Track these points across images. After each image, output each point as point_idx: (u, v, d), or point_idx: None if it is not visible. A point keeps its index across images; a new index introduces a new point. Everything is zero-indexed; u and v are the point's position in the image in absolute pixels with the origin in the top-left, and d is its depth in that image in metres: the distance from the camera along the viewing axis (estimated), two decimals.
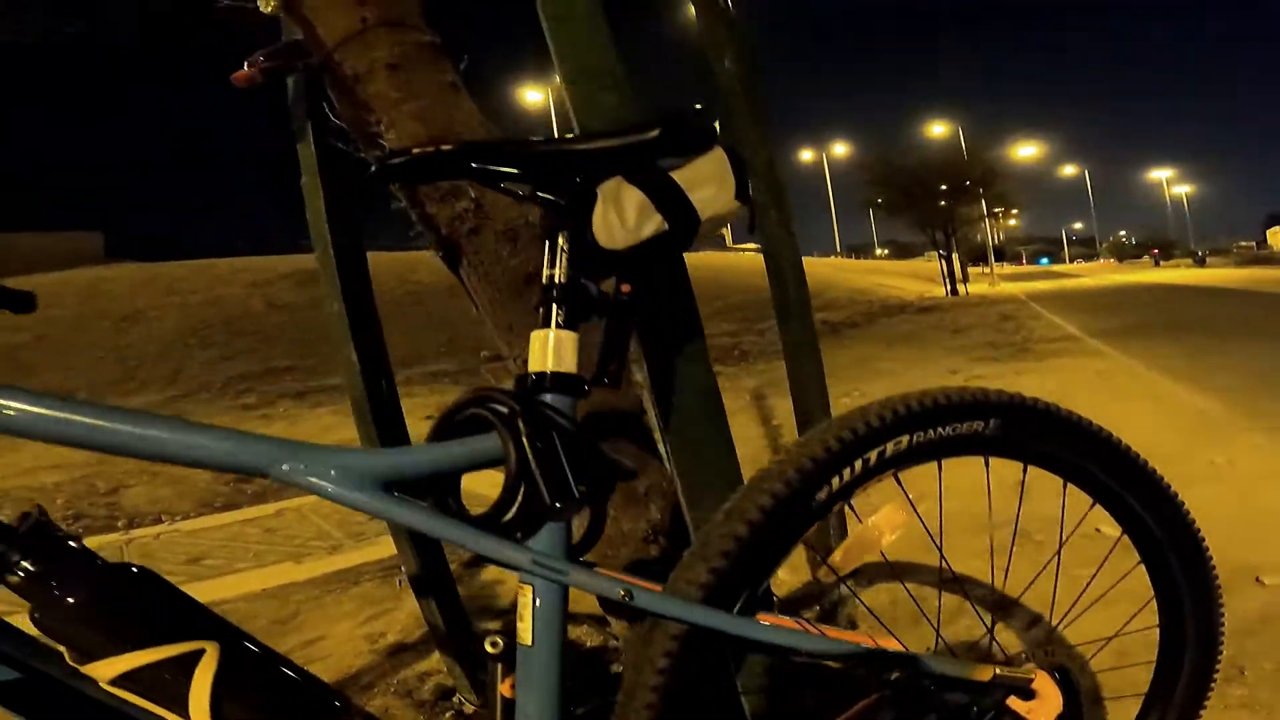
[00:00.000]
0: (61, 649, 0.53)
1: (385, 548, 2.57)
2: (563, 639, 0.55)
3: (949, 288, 21.65)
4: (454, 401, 0.56)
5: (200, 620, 0.56)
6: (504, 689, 0.57)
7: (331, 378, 7.30)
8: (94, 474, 3.89)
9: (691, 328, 0.82)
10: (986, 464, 0.69)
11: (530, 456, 0.52)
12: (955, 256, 23.27)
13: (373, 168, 0.59)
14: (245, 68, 1.16)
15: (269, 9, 1.27)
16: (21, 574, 0.52)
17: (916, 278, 29.15)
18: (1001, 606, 1.24)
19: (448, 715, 1.50)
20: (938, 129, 36.27)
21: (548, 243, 0.58)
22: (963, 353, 6.60)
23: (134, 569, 0.56)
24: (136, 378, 7.63)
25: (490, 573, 2.25)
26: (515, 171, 0.58)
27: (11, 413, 0.51)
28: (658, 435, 0.92)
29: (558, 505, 0.52)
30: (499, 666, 0.57)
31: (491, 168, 0.58)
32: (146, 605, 0.55)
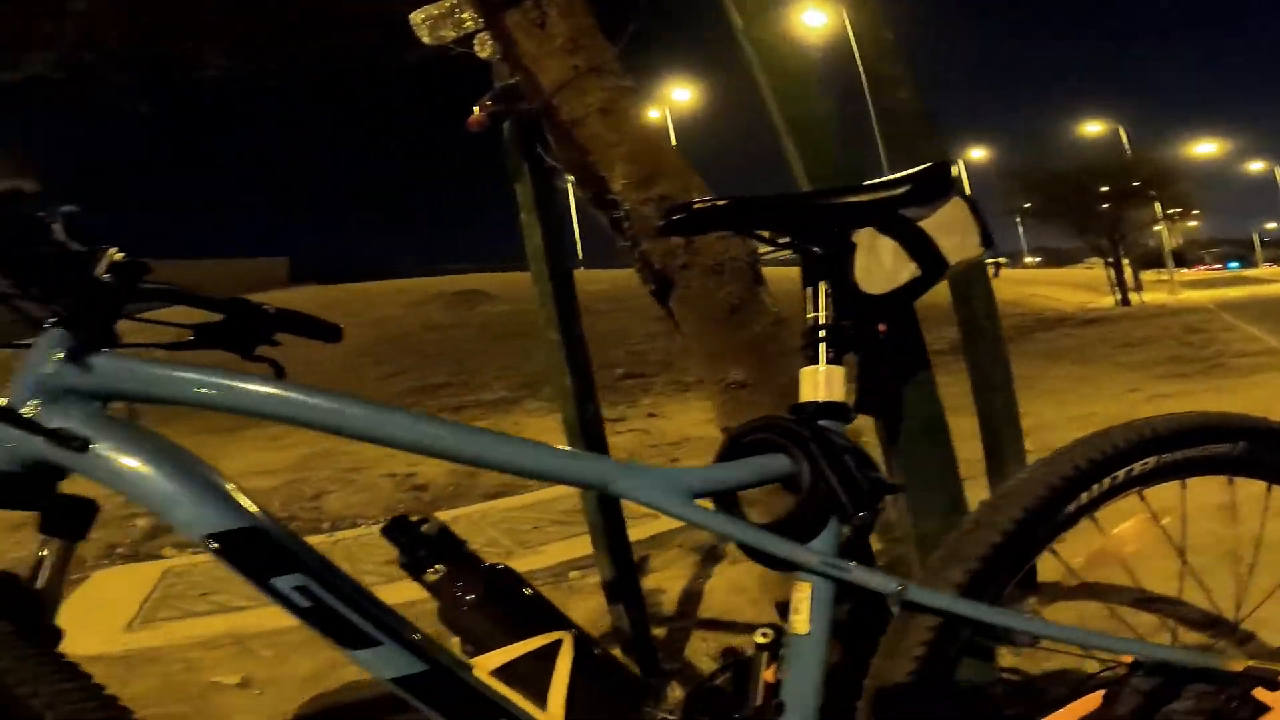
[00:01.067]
0: (455, 642, 0.67)
1: (550, 556, 2.75)
2: (831, 629, 0.64)
3: (1120, 297, 19.78)
4: (739, 428, 0.66)
5: (552, 612, 0.70)
6: (768, 675, 0.66)
7: (485, 393, 7.81)
8: (299, 480, 4.40)
9: (920, 360, 0.88)
10: (1230, 483, 0.71)
11: (827, 472, 0.61)
12: (1125, 263, 21.24)
13: (660, 223, 0.71)
14: (475, 112, 1.31)
15: (485, 55, 1.42)
16: (436, 574, 0.67)
17: (1075, 287, 26.74)
18: (1217, 622, 1.20)
19: None
20: (1093, 128, 33.12)
21: (809, 289, 0.67)
22: (1141, 369, 6.02)
23: (500, 568, 0.71)
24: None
25: (648, 583, 2.36)
26: (780, 224, 0.69)
27: (400, 429, 0.66)
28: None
29: (860, 514, 0.61)
30: (764, 655, 0.66)
31: (759, 220, 0.69)
32: (519, 601, 0.69)
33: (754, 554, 0.64)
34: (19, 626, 0.64)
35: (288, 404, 0.69)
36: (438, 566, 0.68)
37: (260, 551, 0.64)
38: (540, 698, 0.64)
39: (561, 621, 0.69)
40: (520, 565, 2.63)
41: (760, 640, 0.66)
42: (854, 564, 0.63)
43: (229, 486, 0.66)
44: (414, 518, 0.71)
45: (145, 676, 1.95)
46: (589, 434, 1.48)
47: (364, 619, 0.62)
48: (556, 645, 0.66)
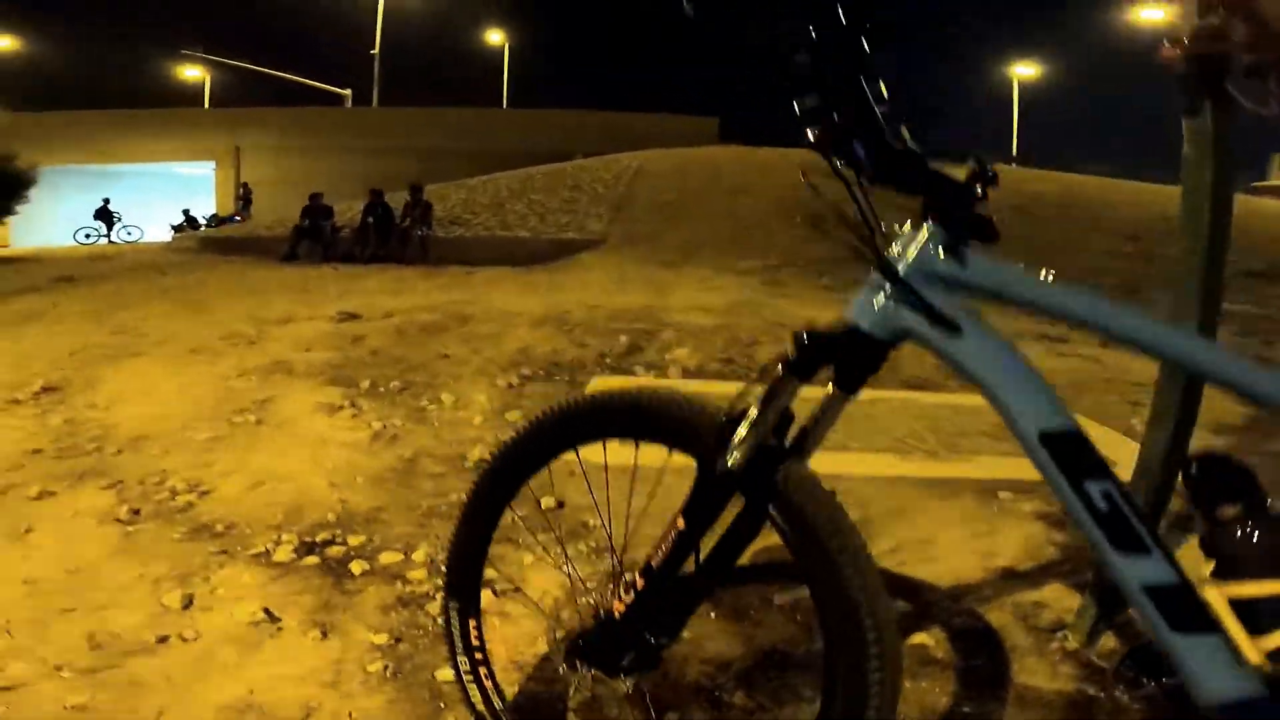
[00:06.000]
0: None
1: (980, 468, 2.56)
2: None
3: None
4: None
5: None
6: None
7: None
8: (733, 324, 4.79)
9: None
10: None
11: None
12: None
13: None
14: (1166, 46, 1.20)
15: None
16: (1232, 510, 0.75)
17: None
18: None
19: (1054, 646, 1.52)
20: None
21: None
22: None
23: None
24: (742, 243, 9.08)
25: None
26: None
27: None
28: None
29: None
30: None
31: None
32: None
33: None
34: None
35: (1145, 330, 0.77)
36: (1235, 503, 0.74)
37: (1082, 454, 0.71)
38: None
39: None
40: (947, 469, 2.54)
41: None
42: None
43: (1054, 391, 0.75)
44: (1220, 453, 0.80)
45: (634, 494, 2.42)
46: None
47: (1143, 527, 0.69)
48: None
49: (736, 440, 0.88)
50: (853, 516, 2.43)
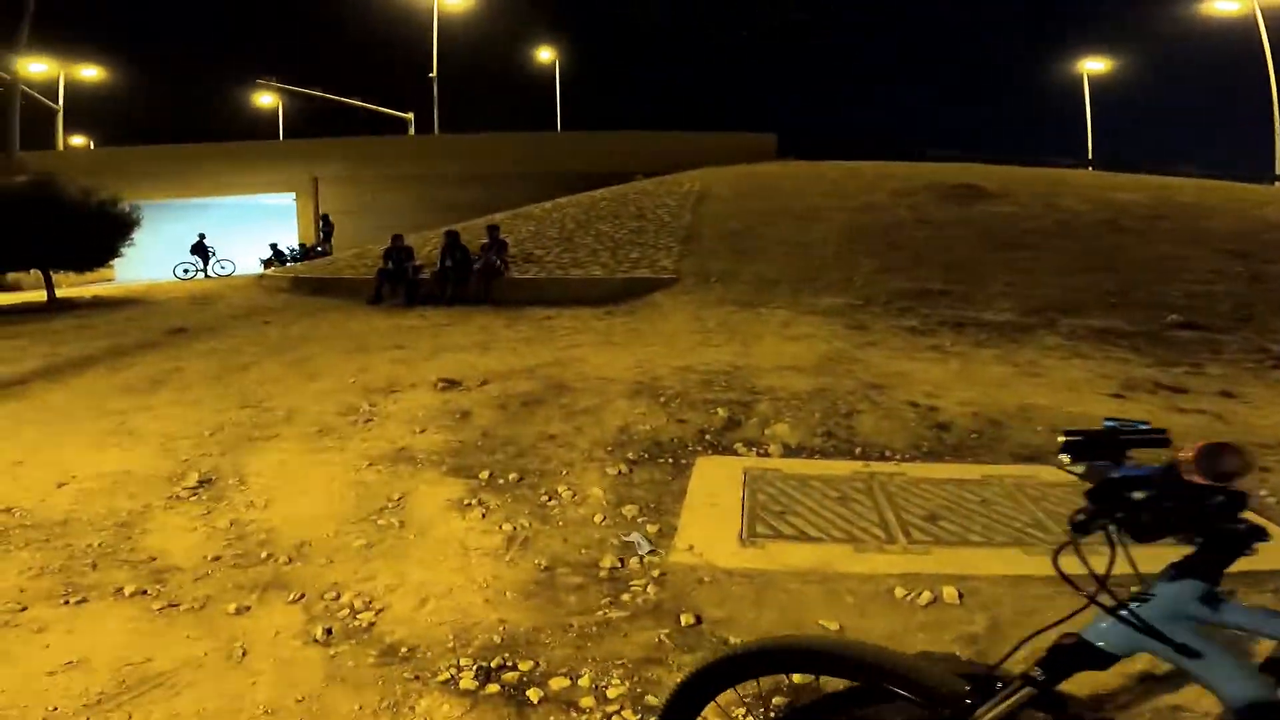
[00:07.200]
0: None
1: (1097, 566, 2.54)
2: None
3: None
4: None
5: None
6: None
7: (988, 312, 7.30)
8: (828, 389, 4.73)
9: None
10: None
11: None
12: None
13: None
14: None
15: None
16: None
17: None
18: None
19: None
20: None
21: None
22: None
23: None
24: (817, 277, 9.01)
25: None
26: None
27: None
28: None
29: None
30: None
31: None
32: None
33: None
34: None
35: None
36: None
37: (1270, 713, 0.94)
38: None
39: None
40: (1074, 568, 2.57)
41: None
42: None
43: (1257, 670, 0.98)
44: None
45: (768, 606, 2.46)
46: None
47: None
48: None
49: (989, 708, 1.07)
50: (983, 621, 2.44)
